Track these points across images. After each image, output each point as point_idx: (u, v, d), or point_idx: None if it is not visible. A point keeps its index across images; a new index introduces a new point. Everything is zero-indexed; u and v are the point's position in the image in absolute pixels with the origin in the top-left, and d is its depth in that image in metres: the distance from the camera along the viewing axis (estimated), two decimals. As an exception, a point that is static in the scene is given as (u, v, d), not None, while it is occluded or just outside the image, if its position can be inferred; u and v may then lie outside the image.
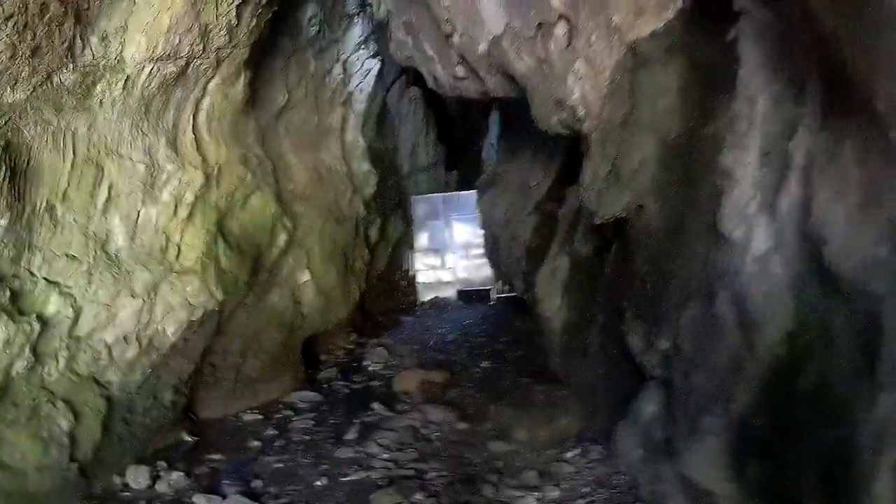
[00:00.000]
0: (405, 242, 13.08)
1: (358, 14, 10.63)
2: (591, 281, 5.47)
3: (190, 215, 5.26)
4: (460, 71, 5.98)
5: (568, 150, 6.62)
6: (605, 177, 3.89)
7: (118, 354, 4.94)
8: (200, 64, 5.25)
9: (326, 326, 8.81)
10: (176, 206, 5.12)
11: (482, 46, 4.51)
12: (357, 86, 10.59)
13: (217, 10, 4.85)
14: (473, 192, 12.09)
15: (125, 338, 4.97)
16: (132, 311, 4.97)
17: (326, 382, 7.89)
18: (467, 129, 16.27)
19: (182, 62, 5.02)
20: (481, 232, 11.45)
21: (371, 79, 10.78)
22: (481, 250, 12.02)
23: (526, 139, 8.34)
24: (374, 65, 10.64)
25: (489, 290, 12.77)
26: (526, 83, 4.14)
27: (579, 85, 3.78)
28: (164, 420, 5.61)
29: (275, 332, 7.74)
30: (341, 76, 9.84)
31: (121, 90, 4.56)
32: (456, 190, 14.12)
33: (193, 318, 5.49)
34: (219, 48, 5.33)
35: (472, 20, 4.41)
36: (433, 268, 13.32)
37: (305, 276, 7.99)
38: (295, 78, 7.88)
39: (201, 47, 5.11)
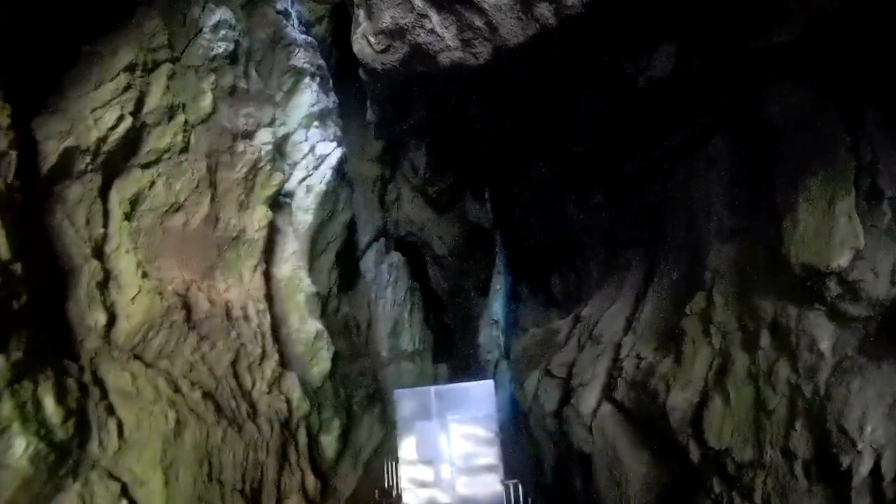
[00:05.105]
0: (385, 452, 10.13)
1: (313, 75, 6.98)
2: None
3: None
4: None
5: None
6: None
7: None
8: None
9: None
10: None
11: None
12: (301, 182, 6.48)
13: None
14: (474, 383, 10.60)
15: None
16: None
17: None
18: (458, 311, 14.23)
19: None
20: (494, 436, 9.44)
21: (327, 173, 6.76)
22: (489, 460, 9.89)
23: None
24: (333, 150, 6.70)
25: (502, 515, 10.42)
26: None
27: None
28: None
29: None
30: (270, 155, 5.77)
31: None
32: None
33: None
34: None
35: None
36: (424, 485, 10.47)
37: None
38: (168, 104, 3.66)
39: None
